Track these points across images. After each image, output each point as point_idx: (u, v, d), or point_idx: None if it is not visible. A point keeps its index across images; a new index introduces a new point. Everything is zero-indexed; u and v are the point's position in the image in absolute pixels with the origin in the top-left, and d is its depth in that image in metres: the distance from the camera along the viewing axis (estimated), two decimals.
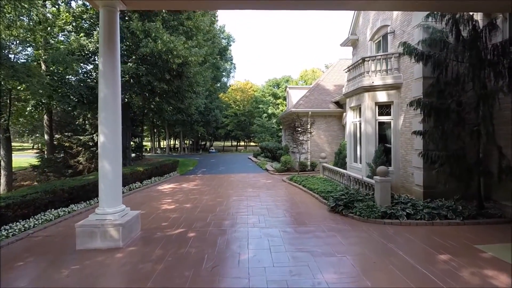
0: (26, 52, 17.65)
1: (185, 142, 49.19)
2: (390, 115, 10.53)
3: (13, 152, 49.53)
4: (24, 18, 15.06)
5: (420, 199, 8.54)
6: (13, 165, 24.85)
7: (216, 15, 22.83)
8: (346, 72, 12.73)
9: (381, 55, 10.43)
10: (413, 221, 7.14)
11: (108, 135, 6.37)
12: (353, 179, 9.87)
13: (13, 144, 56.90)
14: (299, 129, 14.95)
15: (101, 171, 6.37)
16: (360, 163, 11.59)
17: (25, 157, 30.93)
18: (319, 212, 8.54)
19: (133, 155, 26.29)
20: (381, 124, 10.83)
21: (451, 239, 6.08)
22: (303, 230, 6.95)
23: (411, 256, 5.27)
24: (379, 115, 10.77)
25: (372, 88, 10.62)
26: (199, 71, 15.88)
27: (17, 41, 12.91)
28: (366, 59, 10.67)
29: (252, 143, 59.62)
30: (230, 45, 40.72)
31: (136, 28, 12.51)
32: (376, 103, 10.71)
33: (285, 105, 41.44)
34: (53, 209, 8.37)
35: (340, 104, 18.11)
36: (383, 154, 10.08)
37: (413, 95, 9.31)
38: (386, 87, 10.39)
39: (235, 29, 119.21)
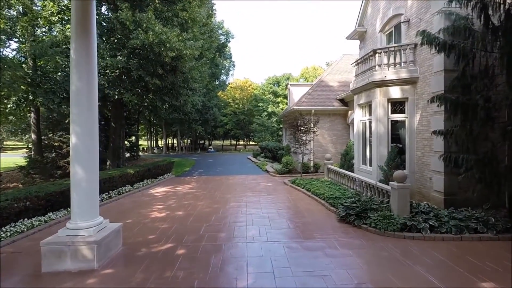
0: (12, 46, 16.50)
1: (183, 141, 48.05)
2: (404, 112, 9.55)
3: (5, 151, 48.30)
4: (10, 9, 14.07)
5: (441, 207, 7.58)
6: (3, 165, 23.85)
7: (214, 8, 21.82)
8: (354, 66, 11.74)
9: (394, 47, 9.44)
10: (438, 235, 6.17)
11: (82, 136, 5.38)
12: (365, 185, 8.89)
13: (7, 143, 55.60)
14: (302, 128, 13.95)
15: (74, 178, 5.39)
16: (370, 165, 10.61)
17: (16, 157, 29.81)
18: (327, 222, 7.56)
19: (127, 154, 25.31)
20: (393, 122, 9.85)
21: (489, 260, 5.10)
22: (311, 245, 5.97)
23: (448, 284, 4.29)
24: (392, 113, 9.79)
25: (384, 83, 9.63)
26: (195, 66, 14.85)
27: None
28: (377, 51, 9.68)
29: (251, 142, 58.56)
30: (229, 41, 39.51)
31: (126, 19, 11.49)
32: (389, 100, 9.72)
33: (286, 103, 40.41)
34: (26, 219, 7.38)
35: (345, 102, 17.13)
36: (397, 156, 9.10)
37: (432, 90, 8.33)
38: (400, 82, 9.41)
39: (234, 26, 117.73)
